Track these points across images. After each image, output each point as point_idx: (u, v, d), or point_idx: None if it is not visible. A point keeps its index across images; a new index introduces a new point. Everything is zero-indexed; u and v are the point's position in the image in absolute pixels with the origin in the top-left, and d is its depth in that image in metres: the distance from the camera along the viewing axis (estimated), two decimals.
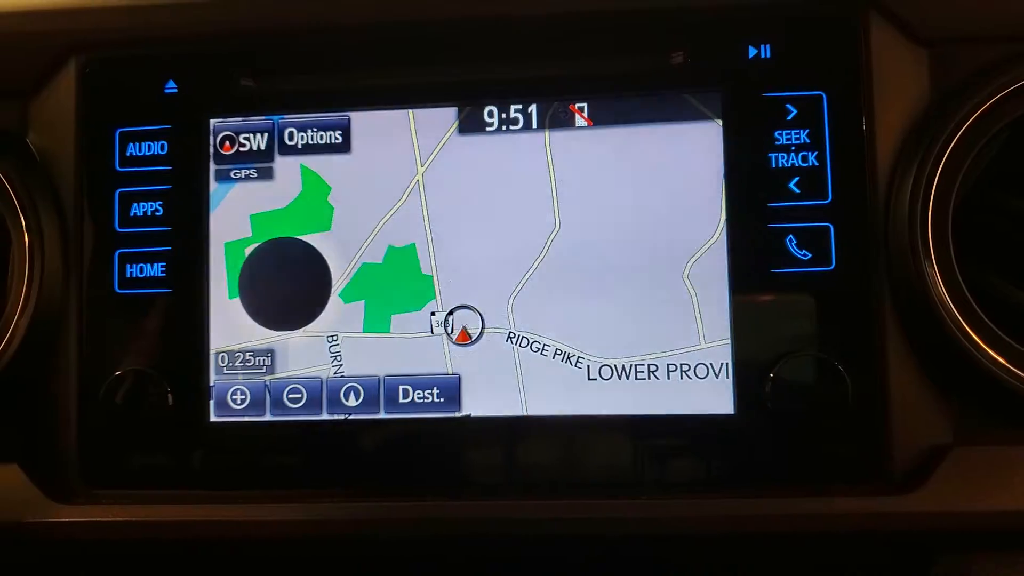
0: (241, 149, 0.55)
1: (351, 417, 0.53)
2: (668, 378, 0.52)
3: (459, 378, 0.53)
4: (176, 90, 0.55)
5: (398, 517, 0.51)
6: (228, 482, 0.53)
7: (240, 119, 0.55)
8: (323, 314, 0.54)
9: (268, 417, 0.54)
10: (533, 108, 0.53)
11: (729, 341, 0.51)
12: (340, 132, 0.54)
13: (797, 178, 0.51)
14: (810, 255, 0.51)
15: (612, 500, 0.50)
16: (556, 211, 0.53)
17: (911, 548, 0.52)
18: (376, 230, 0.54)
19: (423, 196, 0.54)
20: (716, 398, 0.51)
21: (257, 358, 0.54)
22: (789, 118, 0.51)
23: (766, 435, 0.51)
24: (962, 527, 0.49)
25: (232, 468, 0.54)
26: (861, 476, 0.50)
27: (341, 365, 0.53)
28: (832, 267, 0.51)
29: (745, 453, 0.51)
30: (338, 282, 0.54)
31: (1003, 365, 0.48)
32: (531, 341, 0.52)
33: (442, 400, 0.53)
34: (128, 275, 0.55)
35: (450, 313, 0.53)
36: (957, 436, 0.50)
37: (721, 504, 0.50)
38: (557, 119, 0.53)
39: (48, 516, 0.53)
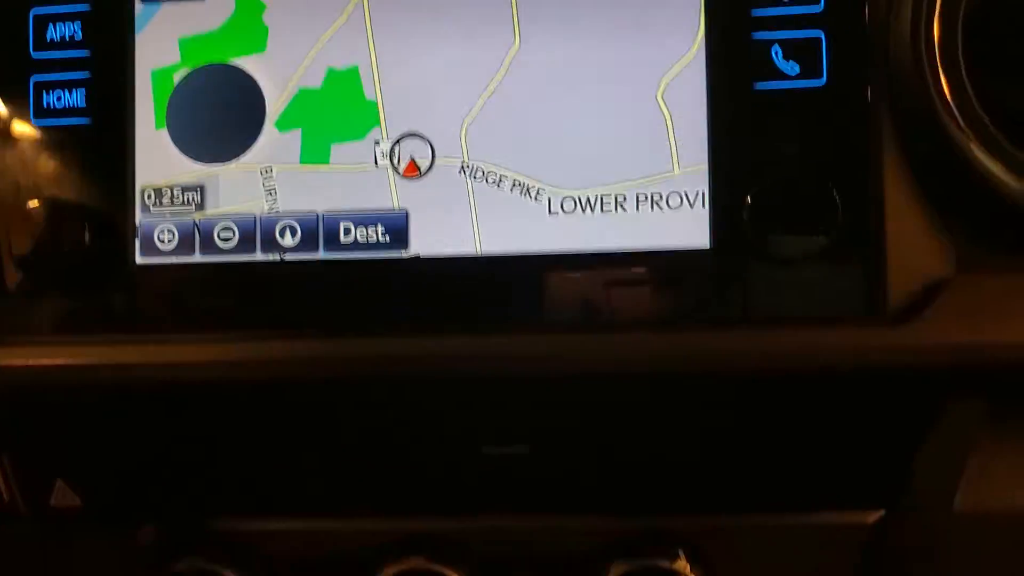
0: None
1: (287, 258, 0.48)
2: (638, 210, 0.46)
3: (406, 214, 0.48)
4: None
5: (340, 354, 0.46)
6: (156, 328, 0.49)
7: None
8: (256, 145, 0.48)
9: (198, 258, 0.49)
10: None
11: (706, 167, 0.46)
12: None
13: None
14: (799, 68, 0.45)
15: (577, 335, 0.46)
16: (516, 27, 0.47)
17: (912, 392, 0.47)
18: (314, 51, 0.48)
19: (367, 12, 0.48)
20: (691, 231, 0.46)
21: (186, 194, 0.49)
22: None
23: (746, 270, 0.45)
24: (963, 361, 0.43)
25: (160, 313, 0.49)
26: (853, 311, 0.45)
27: (276, 201, 0.48)
28: (823, 81, 0.45)
29: (723, 290, 0.46)
30: (273, 110, 0.48)
31: (1017, 187, 0.43)
32: (486, 172, 0.47)
33: (387, 239, 0.48)
34: (45, 104, 0.50)
35: (396, 142, 0.48)
36: (959, 270, 0.45)
37: (695, 337, 0.45)
38: None
39: None
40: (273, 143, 0.48)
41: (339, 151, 0.48)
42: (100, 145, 0.49)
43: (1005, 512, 0.53)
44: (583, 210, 0.47)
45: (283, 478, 0.54)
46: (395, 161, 0.48)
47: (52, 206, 0.48)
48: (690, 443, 0.52)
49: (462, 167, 0.47)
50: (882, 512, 0.52)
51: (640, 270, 0.46)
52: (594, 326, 0.46)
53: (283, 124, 0.48)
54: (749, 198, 0.45)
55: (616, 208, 0.46)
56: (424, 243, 0.48)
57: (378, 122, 0.48)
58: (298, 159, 0.48)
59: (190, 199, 0.49)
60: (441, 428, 0.52)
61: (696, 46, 0.46)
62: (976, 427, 0.52)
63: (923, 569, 0.53)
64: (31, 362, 0.48)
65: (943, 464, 0.52)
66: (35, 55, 0.50)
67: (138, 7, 0.50)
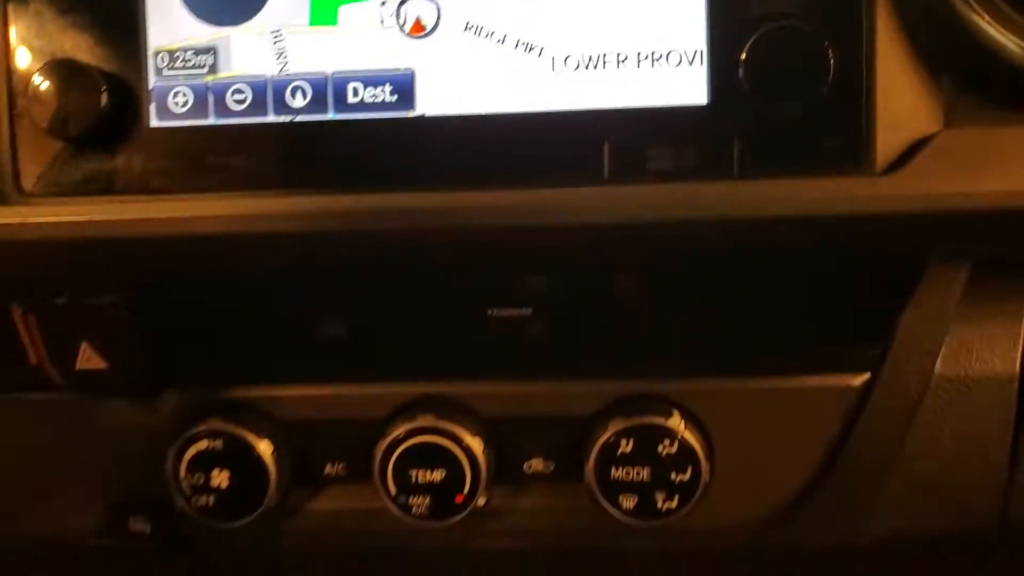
0: None
1: (298, 119, 0.50)
2: (638, 68, 0.48)
3: (412, 74, 0.49)
4: None
5: (349, 210, 0.48)
6: (171, 189, 0.51)
7: None
8: (266, 7, 0.50)
9: (212, 120, 0.50)
10: None
11: (704, 26, 0.47)
12: None
13: None
14: None
15: (578, 189, 0.47)
16: None
17: (898, 248, 0.49)
18: None
19: None
20: (689, 88, 0.47)
21: (199, 57, 0.50)
22: None
23: (741, 125, 0.47)
24: (947, 211, 0.45)
25: (175, 174, 0.51)
26: (843, 164, 0.46)
27: (286, 63, 0.50)
28: None
29: (720, 145, 0.47)
30: None
31: (1013, 47, 0.44)
32: (491, 31, 0.48)
33: (394, 99, 0.49)
34: None
35: (402, 2, 0.49)
36: (947, 124, 0.47)
37: (692, 189, 0.47)
38: None
39: None
40: (282, 5, 0.49)
41: (346, 12, 0.49)
42: (114, 7, 0.50)
43: (982, 376, 0.55)
44: (585, 68, 0.48)
45: (295, 344, 0.57)
46: (401, 20, 0.49)
47: (67, 69, 0.50)
48: (685, 305, 0.55)
49: (466, 25, 0.49)
50: (867, 376, 0.55)
51: (640, 126, 0.48)
52: (595, 181, 0.48)
53: None
54: (744, 55, 0.47)
55: (618, 66, 0.48)
56: (430, 103, 0.49)
57: None
58: (307, 21, 0.49)
59: (203, 62, 0.50)
60: (447, 291, 0.54)
61: None
62: (958, 292, 0.54)
63: (902, 431, 0.56)
64: (53, 219, 0.49)
65: (926, 328, 0.55)
66: None
67: None
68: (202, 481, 0.56)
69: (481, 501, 0.55)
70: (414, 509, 0.55)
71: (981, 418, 0.56)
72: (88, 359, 0.54)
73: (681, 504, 0.54)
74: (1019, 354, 0.55)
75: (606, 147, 0.48)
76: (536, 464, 0.57)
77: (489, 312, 0.54)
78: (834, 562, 0.59)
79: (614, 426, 0.54)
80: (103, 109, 0.49)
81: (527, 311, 0.54)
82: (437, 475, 0.55)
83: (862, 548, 0.57)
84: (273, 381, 0.57)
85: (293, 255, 0.51)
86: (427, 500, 0.55)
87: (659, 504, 0.54)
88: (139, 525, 0.61)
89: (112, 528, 0.61)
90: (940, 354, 0.55)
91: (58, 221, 0.49)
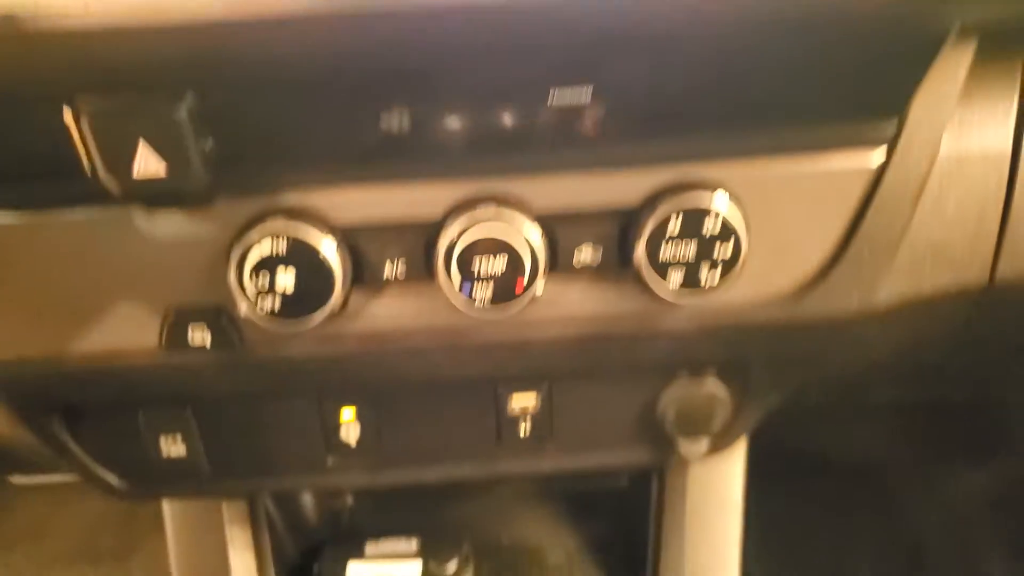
0: None
1: None
2: None
3: None
4: None
5: None
6: None
7: None
8: None
9: None
10: None
11: None
12: None
13: None
14: None
15: None
16: None
17: (915, 26, 0.53)
18: None
19: None
20: None
21: None
22: None
23: None
24: None
25: None
26: None
27: None
28: None
29: None
30: None
31: None
32: None
33: None
34: None
35: None
36: None
37: None
38: None
39: None
40: None
41: None
42: None
43: (979, 152, 0.62)
44: None
45: (350, 145, 0.57)
46: None
47: None
48: (721, 84, 0.57)
49: None
50: (884, 150, 0.60)
51: None
52: None
53: None
54: None
55: None
56: None
57: None
58: None
59: None
60: (508, 74, 0.55)
61: None
62: (964, 72, 0.60)
63: (913, 204, 0.62)
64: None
65: (935, 107, 0.60)
66: None
67: None
68: (267, 284, 0.58)
69: (539, 288, 0.59)
70: (477, 299, 0.59)
71: (978, 191, 0.63)
72: (146, 165, 0.54)
73: (723, 276, 0.59)
74: (1011, 132, 0.62)
75: None
76: (585, 253, 0.61)
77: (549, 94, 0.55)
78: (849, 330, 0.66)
79: (663, 210, 0.58)
80: None
81: (587, 92, 0.55)
82: (499, 264, 0.58)
83: (876, 313, 0.64)
84: (330, 183, 0.58)
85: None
86: (490, 289, 0.58)
87: (703, 280, 0.59)
88: (199, 337, 0.62)
89: (171, 341, 0.62)
90: (944, 135, 0.61)
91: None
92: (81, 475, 0.74)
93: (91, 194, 0.55)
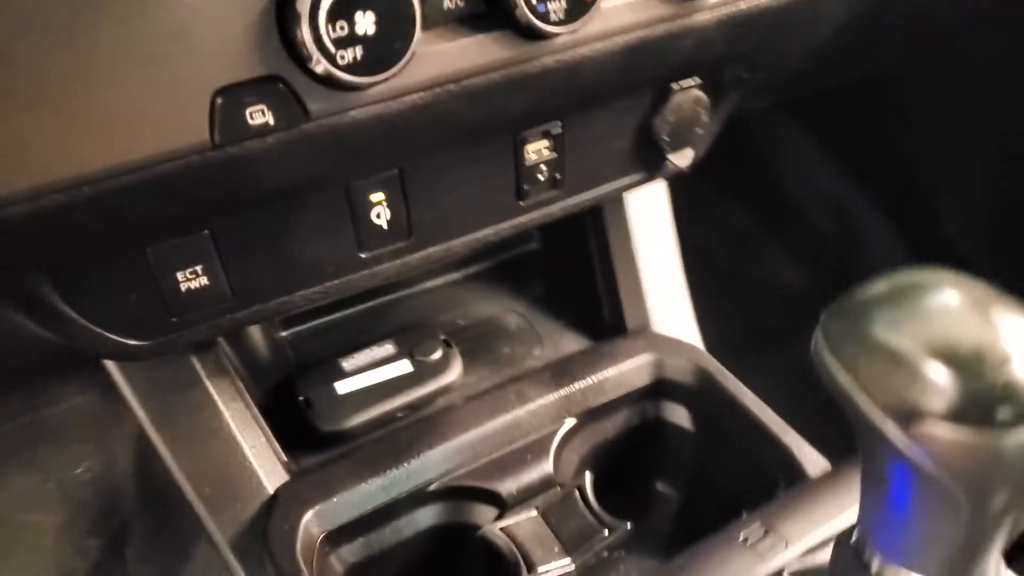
0: None
1: None
2: None
3: None
4: None
5: None
6: None
7: None
8: None
9: None
10: None
11: None
12: None
13: None
14: None
15: None
16: None
17: None
18: None
19: None
20: None
21: None
22: None
23: None
24: None
25: None
26: None
27: None
28: None
29: None
30: None
31: None
32: None
33: None
34: None
35: None
36: None
37: None
38: None
39: None
40: None
41: None
42: None
43: None
44: None
45: None
46: None
47: None
48: None
49: None
50: None
51: None
52: None
53: None
54: None
55: None
56: None
57: None
58: None
59: None
60: None
61: None
62: None
63: None
64: None
65: None
66: None
67: None
68: (345, 31, 0.50)
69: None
70: (552, 13, 0.57)
71: None
72: None
73: None
74: None
75: None
76: None
77: None
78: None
79: None
80: None
81: None
82: None
83: None
84: None
85: None
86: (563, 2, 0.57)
87: None
88: (259, 116, 0.52)
89: (227, 128, 0.52)
90: None
91: None
92: (84, 347, 0.61)
93: None
